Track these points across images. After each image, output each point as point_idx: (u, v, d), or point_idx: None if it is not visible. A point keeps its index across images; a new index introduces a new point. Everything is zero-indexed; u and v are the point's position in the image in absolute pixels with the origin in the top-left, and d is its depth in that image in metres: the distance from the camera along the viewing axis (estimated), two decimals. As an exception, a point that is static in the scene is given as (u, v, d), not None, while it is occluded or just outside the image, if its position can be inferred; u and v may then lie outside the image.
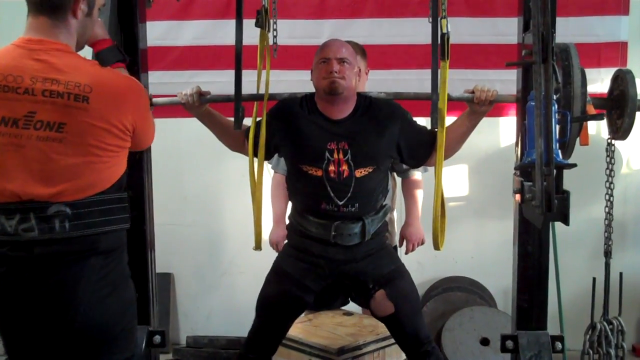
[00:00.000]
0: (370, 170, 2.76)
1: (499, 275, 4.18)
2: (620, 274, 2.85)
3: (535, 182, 2.15)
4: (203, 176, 4.62)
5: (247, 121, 2.82)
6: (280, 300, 2.82)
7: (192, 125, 4.63)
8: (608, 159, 2.71)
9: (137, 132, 2.12)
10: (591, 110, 2.45)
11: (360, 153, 2.74)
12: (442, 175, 2.72)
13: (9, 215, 1.95)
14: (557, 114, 2.28)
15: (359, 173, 2.74)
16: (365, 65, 3.29)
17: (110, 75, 2.12)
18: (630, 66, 4.27)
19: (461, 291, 4.33)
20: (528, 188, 2.35)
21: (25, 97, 1.95)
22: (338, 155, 2.73)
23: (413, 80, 4.24)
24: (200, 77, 4.33)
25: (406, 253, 3.45)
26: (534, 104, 2.14)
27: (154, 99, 2.72)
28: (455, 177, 4.53)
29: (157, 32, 4.19)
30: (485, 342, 4.02)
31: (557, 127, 2.32)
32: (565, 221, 2.29)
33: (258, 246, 2.83)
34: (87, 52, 2.24)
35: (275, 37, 2.96)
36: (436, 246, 2.76)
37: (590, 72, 4.23)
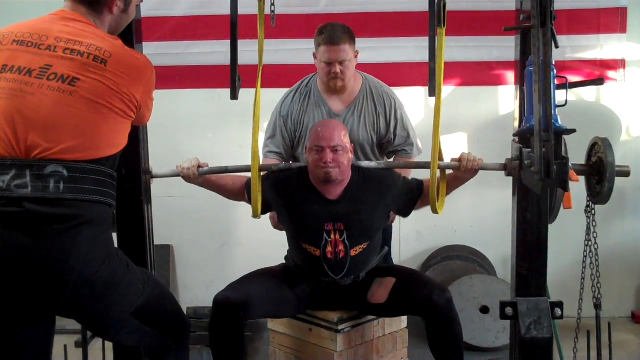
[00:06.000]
0: (365, 246, 2.88)
1: (498, 243, 4.18)
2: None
3: (534, 148, 2.13)
4: (201, 148, 4.59)
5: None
6: (280, 277, 2.95)
7: (190, 96, 4.63)
8: (587, 222, 2.76)
9: (141, 110, 2.16)
10: (573, 175, 2.48)
11: (355, 233, 2.85)
12: (439, 142, 2.68)
13: (3, 170, 1.93)
14: (555, 79, 2.26)
15: (354, 252, 2.86)
16: (354, 50, 3.25)
17: (130, 50, 2.20)
18: (630, 32, 4.25)
19: (461, 260, 4.34)
20: (527, 154, 2.34)
21: (46, 53, 2.02)
22: (335, 236, 2.84)
23: (410, 48, 4.23)
24: (196, 47, 4.31)
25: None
26: (532, 69, 2.12)
27: (154, 172, 2.80)
28: (454, 146, 4.51)
29: (152, 3, 4.15)
30: (485, 310, 4.03)
31: (556, 92, 2.31)
32: (565, 187, 2.28)
33: (256, 214, 2.79)
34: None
35: (272, 4, 2.93)
36: (434, 210, 2.73)
37: (589, 39, 4.26)
